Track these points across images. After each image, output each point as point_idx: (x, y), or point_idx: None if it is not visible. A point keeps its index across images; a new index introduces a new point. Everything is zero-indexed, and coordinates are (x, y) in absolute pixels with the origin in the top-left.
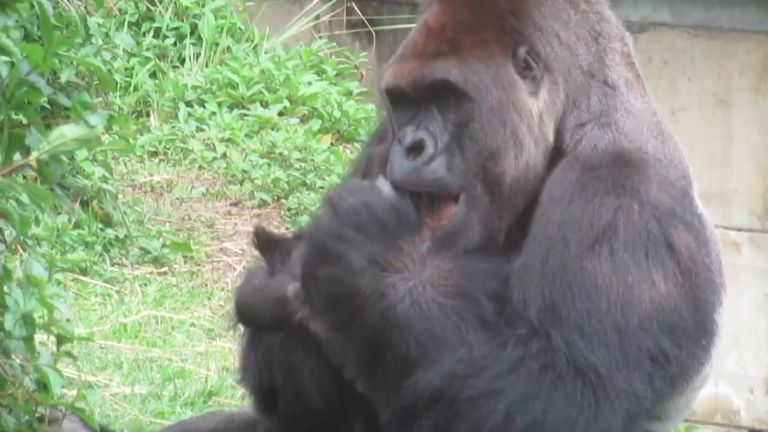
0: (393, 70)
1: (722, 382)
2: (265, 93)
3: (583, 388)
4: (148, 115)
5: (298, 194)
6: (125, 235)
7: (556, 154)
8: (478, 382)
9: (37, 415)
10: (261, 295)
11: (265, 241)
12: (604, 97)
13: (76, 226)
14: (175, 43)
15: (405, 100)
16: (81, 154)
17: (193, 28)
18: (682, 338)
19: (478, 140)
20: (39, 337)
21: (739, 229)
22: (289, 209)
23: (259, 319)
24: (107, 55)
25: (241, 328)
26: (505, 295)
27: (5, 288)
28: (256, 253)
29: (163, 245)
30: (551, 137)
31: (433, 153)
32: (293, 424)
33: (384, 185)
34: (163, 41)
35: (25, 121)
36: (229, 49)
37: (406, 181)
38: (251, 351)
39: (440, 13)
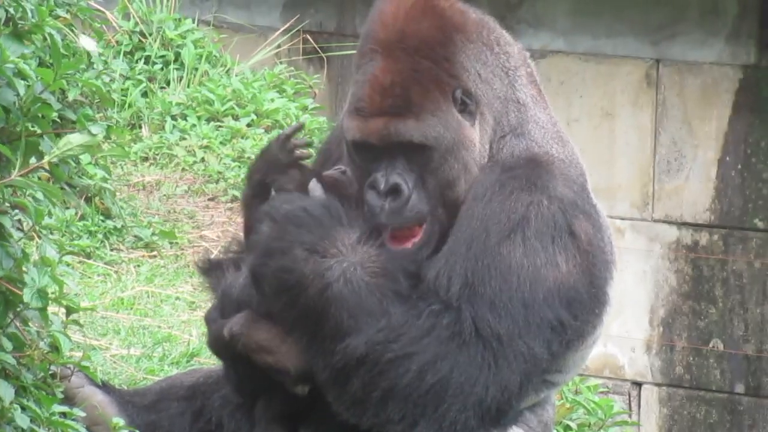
0: (357, 125)
1: (610, 342)
2: (236, 108)
3: (484, 352)
4: (140, 127)
5: None
6: (122, 225)
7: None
8: (396, 346)
9: (50, 372)
10: (216, 345)
11: (205, 267)
12: (518, 113)
13: (82, 218)
14: (162, 68)
15: (372, 151)
16: (85, 158)
17: (177, 56)
18: (578, 310)
19: (438, 175)
20: (51, 308)
21: (622, 218)
22: None
23: (222, 355)
24: (106, 78)
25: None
26: (420, 275)
27: (24, 267)
28: (201, 277)
29: (153, 233)
30: (486, 157)
31: (408, 194)
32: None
33: (316, 189)
34: (152, 67)
35: (39, 131)
36: (206, 72)
37: (391, 220)
38: (228, 368)
39: (386, 69)
